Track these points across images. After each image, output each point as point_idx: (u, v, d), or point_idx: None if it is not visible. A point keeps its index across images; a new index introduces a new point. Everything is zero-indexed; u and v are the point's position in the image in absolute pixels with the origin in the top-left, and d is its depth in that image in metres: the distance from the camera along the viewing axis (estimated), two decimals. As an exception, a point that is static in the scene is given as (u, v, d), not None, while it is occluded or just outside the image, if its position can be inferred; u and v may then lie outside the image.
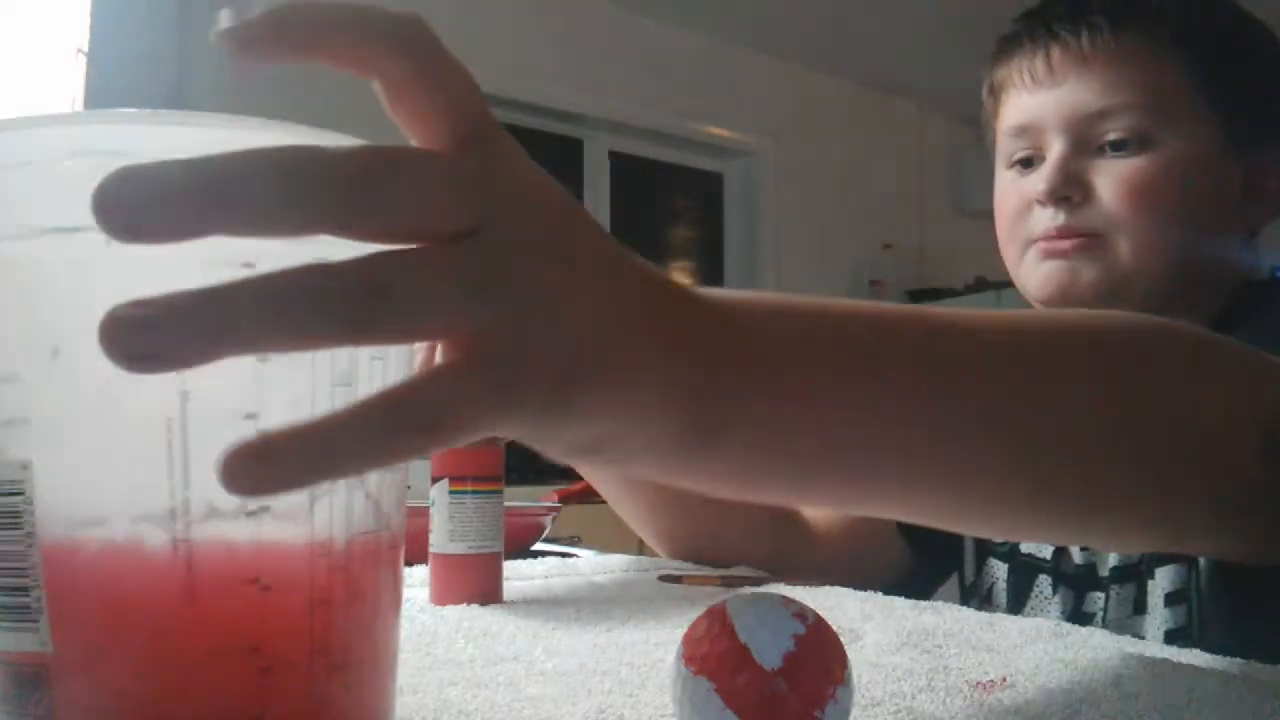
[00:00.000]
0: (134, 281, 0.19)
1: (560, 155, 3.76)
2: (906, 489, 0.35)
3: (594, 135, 3.79)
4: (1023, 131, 0.70)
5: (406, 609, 0.50)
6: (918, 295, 4.12)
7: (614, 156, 3.87)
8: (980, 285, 3.66)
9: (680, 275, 4.23)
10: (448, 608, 0.51)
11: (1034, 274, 0.68)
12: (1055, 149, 0.67)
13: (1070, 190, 0.66)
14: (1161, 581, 0.61)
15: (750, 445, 0.30)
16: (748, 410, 0.29)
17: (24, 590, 0.23)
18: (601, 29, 3.68)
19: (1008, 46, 0.72)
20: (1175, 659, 0.37)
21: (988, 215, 0.75)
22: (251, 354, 0.21)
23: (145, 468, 0.23)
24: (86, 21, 1.39)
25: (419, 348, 0.38)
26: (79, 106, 1.39)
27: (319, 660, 0.25)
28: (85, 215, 0.19)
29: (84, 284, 0.21)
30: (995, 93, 0.74)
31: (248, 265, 0.22)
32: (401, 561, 0.29)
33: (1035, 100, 0.69)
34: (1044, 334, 0.39)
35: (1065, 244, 0.66)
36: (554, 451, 0.27)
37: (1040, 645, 0.40)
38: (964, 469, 0.35)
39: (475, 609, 0.50)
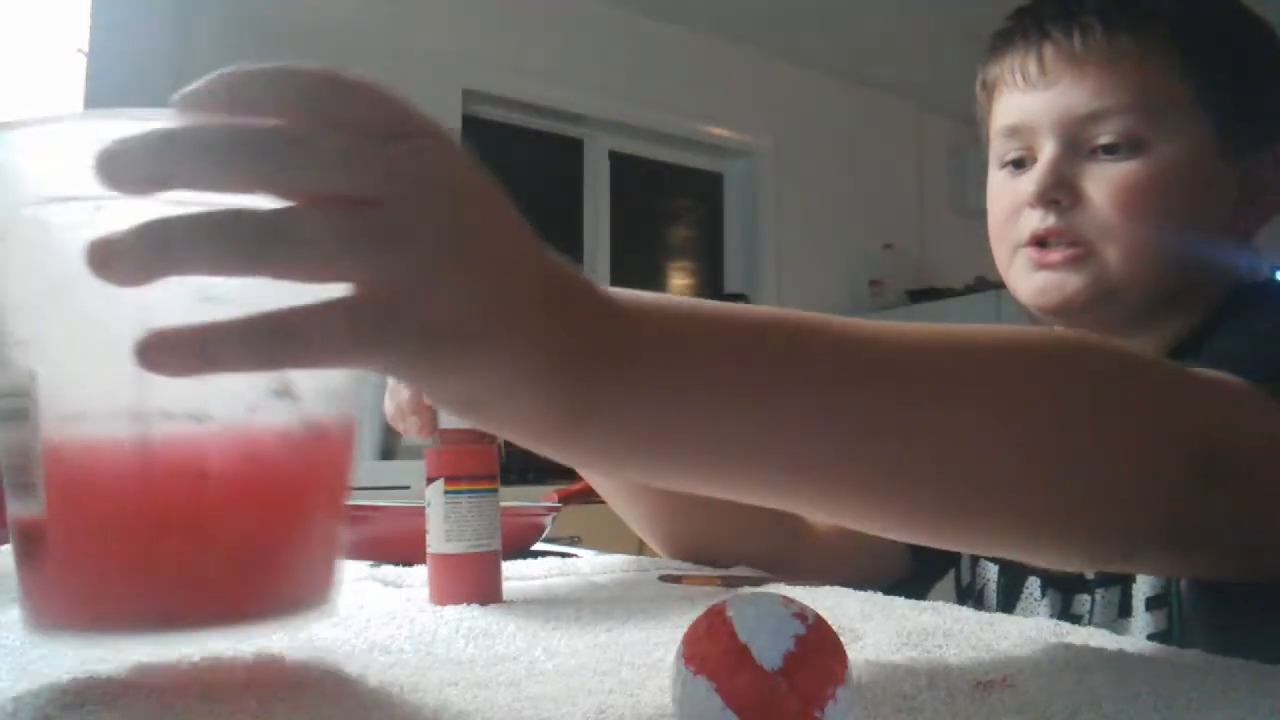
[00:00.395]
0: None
1: (560, 155, 3.76)
2: (776, 484, 0.38)
3: (594, 135, 3.79)
4: (1014, 132, 0.69)
5: (406, 609, 0.50)
6: (918, 295, 4.12)
7: (614, 156, 3.86)
8: (980, 285, 3.66)
9: (680, 275, 4.23)
10: (448, 608, 0.51)
11: (1024, 281, 0.68)
12: (1047, 151, 0.66)
13: (1060, 193, 0.65)
14: (1143, 585, 0.62)
15: (620, 430, 0.33)
16: (619, 396, 0.32)
17: (28, 469, 0.31)
18: (601, 29, 3.67)
19: (1001, 44, 0.71)
20: (1175, 659, 0.37)
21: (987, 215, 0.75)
22: (183, 274, 0.27)
23: (116, 378, 0.29)
24: (86, 21, 1.39)
25: None
26: (79, 106, 1.39)
27: (246, 541, 0.31)
28: (78, 188, 0.27)
29: (76, 238, 0.26)
30: (988, 90, 0.73)
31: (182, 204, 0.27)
32: (346, 465, 0.35)
33: (1028, 101, 0.68)
34: (947, 351, 0.39)
35: (1055, 255, 0.66)
36: (436, 402, 0.32)
37: (1041, 645, 0.40)
38: (833, 478, 0.37)
39: (475, 609, 0.50)
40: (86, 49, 1.39)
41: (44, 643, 0.34)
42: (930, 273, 4.23)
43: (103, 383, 0.30)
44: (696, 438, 0.35)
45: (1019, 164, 0.69)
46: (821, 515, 0.42)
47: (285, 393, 0.31)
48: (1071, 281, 0.65)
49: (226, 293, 0.28)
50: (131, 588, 0.31)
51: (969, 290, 3.66)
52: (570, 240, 3.79)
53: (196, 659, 0.37)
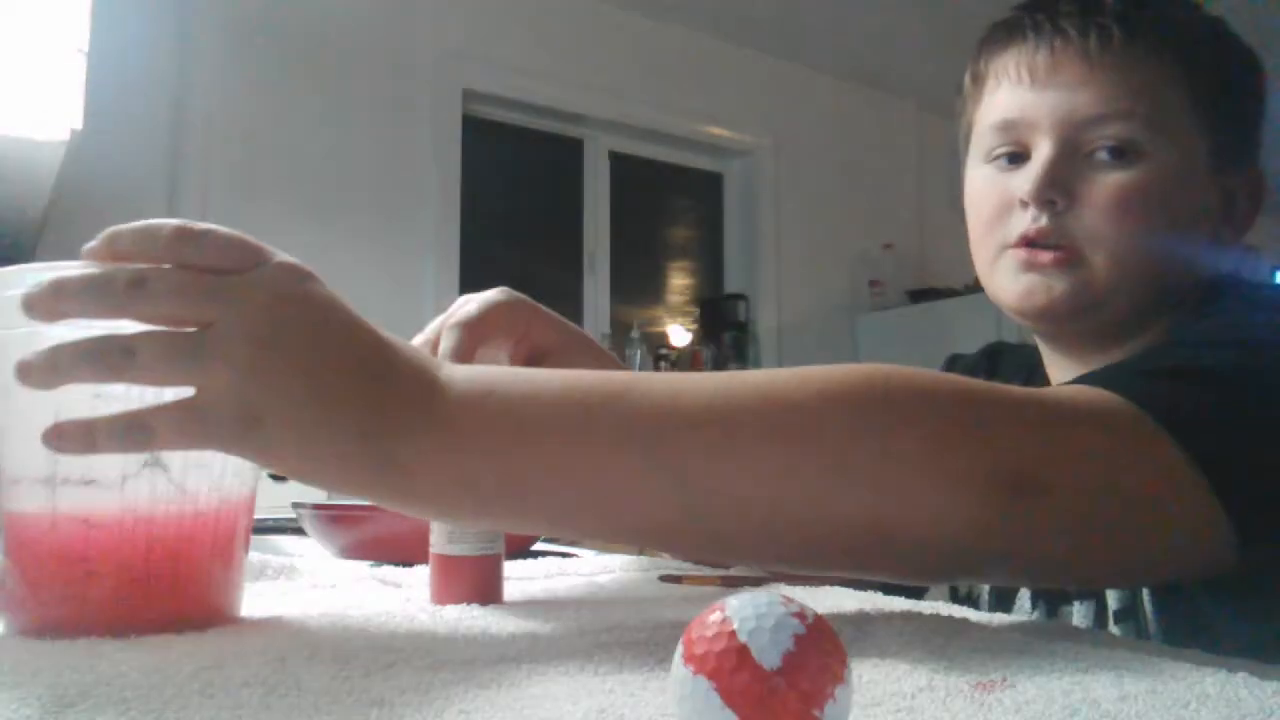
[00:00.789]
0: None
1: (560, 155, 3.76)
2: (586, 530, 0.45)
3: (594, 135, 3.79)
4: (1009, 127, 0.68)
5: (406, 609, 0.50)
6: (918, 295, 4.12)
7: (614, 156, 3.86)
8: (980, 285, 3.65)
9: (680, 275, 4.23)
10: (448, 608, 0.51)
11: (1010, 283, 0.67)
12: (1044, 150, 0.65)
13: (1056, 194, 0.64)
14: (1112, 599, 0.62)
15: (437, 488, 0.40)
16: (429, 464, 0.39)
17: None
18: (601, 29, 3.67)
19: (1002, 36, 0.70)
20: (1174, 659, 0.37)
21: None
22: (73, 382, 0.38)
23: (39, 453, 0.39)
24: (86, 21, 1.39)
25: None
26: (79, 106, 1.39)
27: (124, 572, 0.42)
28: (18, 321, 0.39)
29: (13, 356, 0.39)
30: (979, 81, 0.72)
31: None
32: (222, 518, 0.45)
33: (1030, 97, 0.67)
34: (748, 398, 0.42)
35: (1045, 257, 0.65)
36: (277, 473, 0.41)
37: (1040, 645, 0.40)
38: (617, 520, 0.42)
39: (475, 609, 0.50)
40: (86, 49, 1.39)
41: (18, 647, 0.40)
42: (930, 273, 4.23)
43: (30, 457, 0.41)
44: (499, 488, 0.40)
45: (1011, 159, 0.68)
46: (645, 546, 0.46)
47: (155, 464, 0.42)
48: (1059, 285, 0.65)
49: (113, 392, 0.40)
50: (52, 605, 0.42)
51: (969, 290, 3.66)
52: (570, 240, 3.80)
53: (197, 659, 0.37)
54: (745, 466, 0.41)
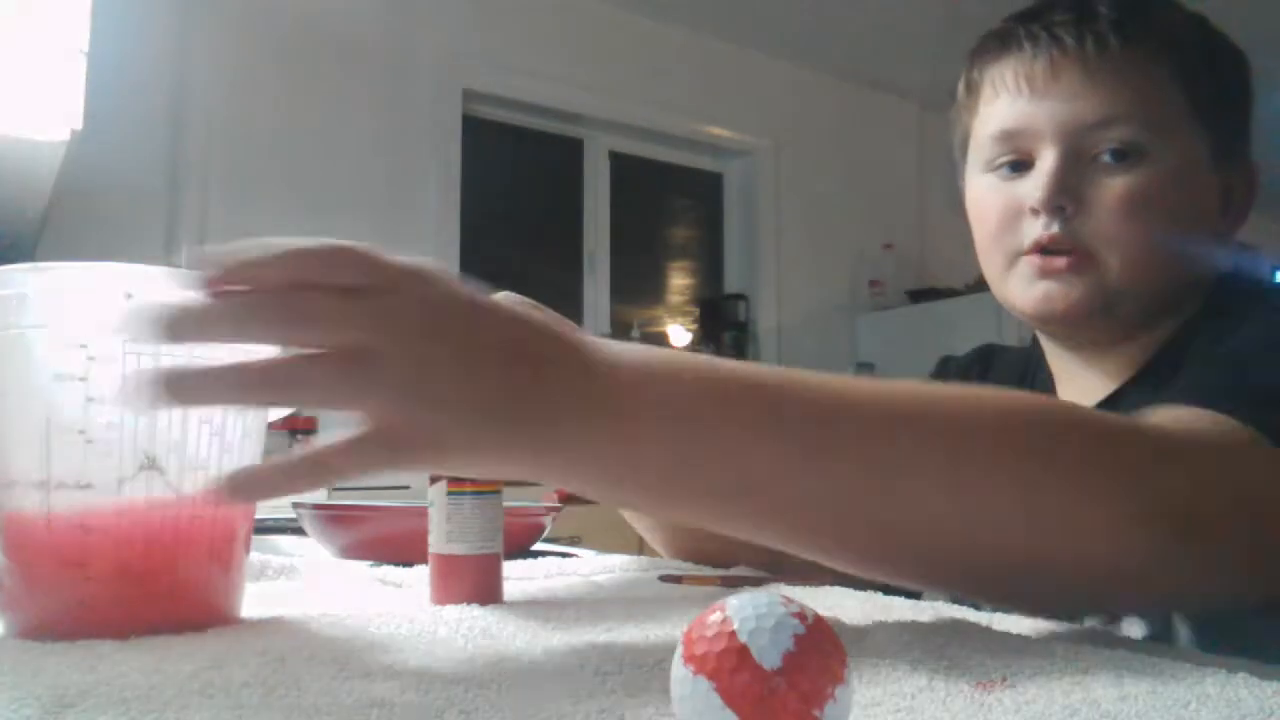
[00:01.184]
0: (44, 354, 0.41)
1: (560, 155, 3.76)
2: (749, 526, 0.44)
3: (594, 135, 3.79)
4: (1011, 136, 0.68)
5: (406, 609, 0.50)
6: (918, 295, 4.12)
7: (614, 156, 3.86)
8: (980, 285, 3.64)
9: (680, 275, 4.23)
10: (448, 608, 0.51)
11: (1025, 290, 0.68)
12: (1049, 158, 0.66)
13: (1065, 200, 0.65)
14: None
15: (602, 470, 0.40)
16: (592, 448, 0.39)
17: None
18: (601, 29, 3.67)
19: (995, 46, 0.70)
20: (1174, 659, 0.37)
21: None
22: (235, 405, 0.42)
23: (32, 457, 0.41)
24: (86, 21, 1.39)
25: None
26: (79, 106, 1.39)
27: (122, 575, 0.42)
28: (25, 320, 0.41)
29: (20, 356, 0.41)
30: (974, 90, 0.72)
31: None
32: (219, 521, 0.45)
33: (1031, 107, 0.67)
34: (931, 414, 0.42)
35: (1060, 262, 0.66)
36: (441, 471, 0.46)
37: (1040, 645, 0.40)
38: (774, 504, 0.42)
39: (475, 609, 0.50)
40: (86, 49, 1.38)
41: (18, 647, 0.40)
42: (930, 273, 4.22)
43: (24, 460, 0.41)
44: (660, 478, 0.40)
45: (1014, 167, 0.69)
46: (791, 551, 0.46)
47: (151, 466, 0.42)
48: (1075, 289, 0.65)
49: (108, 395, 0.41)
50: (50, 607, 0.42)
51: (969, 290, 3.65)
52: (570, 240, 3.79)
53: (197, 660, 0.37)
54: (920, 475, 0.41)
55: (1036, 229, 0.66)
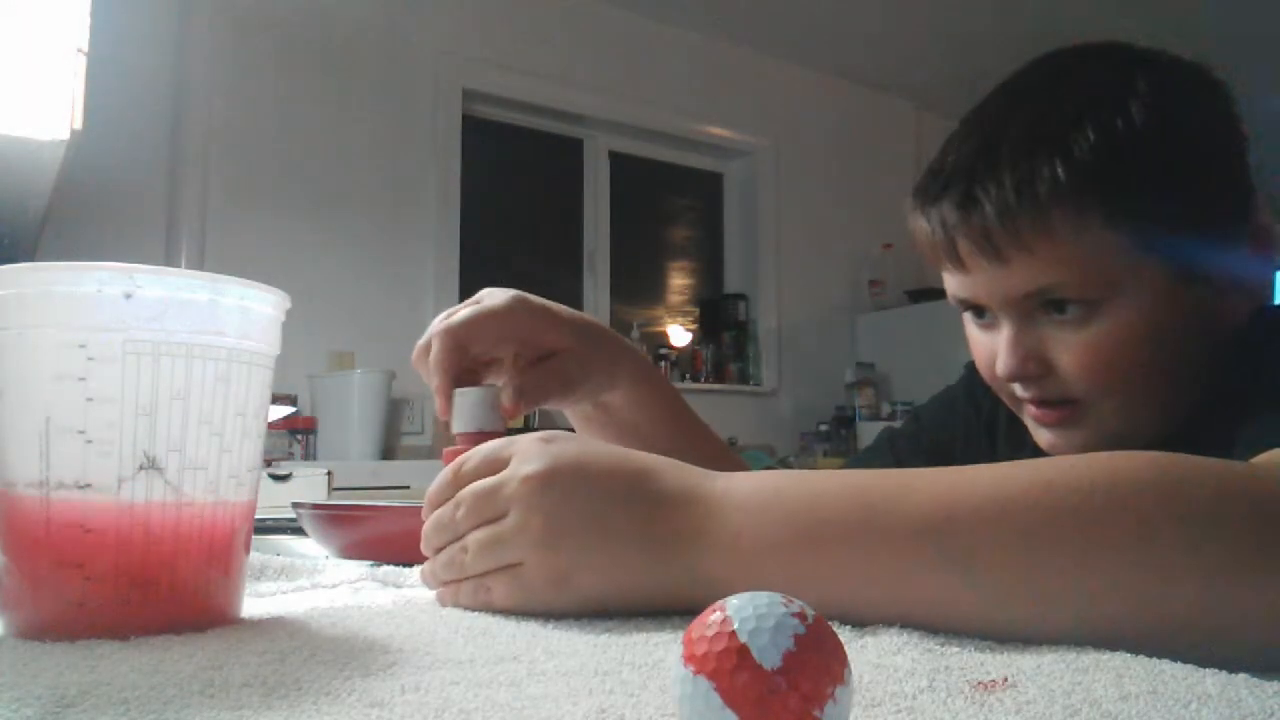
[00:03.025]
0: (44, 354, 0.42)
1: (560, 155, 3.76)
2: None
3: (594, 135, 3.79)
4: (964, 300, 0.67)
5: (406, 609, 0.50)
6: (917, 295, 4.12)
7: (614, 156, 3.87)
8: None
9: (680, 275, 4.23)
10: (448, 608, 0.51)
11: (1035, 432, 0.68)
12: (1004, 325, 0.65)
13: (1030, 368, 0.64)
14: None
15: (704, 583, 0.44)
16: (722, 576, 0.44)
17: None
18: (601, 29, 3.68)
19: (918, 214, 0.67)
20: (1175, 659, 0.37)
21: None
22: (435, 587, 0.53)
23: (31, 457, 0.41)
24: (86, 21, 1.39)
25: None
26: (79, 106, 1.39)
27: (122, 576, 0.42)
28: (25, 320, 0.41)
29: (20, 356, 0.42)
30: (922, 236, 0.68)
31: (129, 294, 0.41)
32: (219, 523, 0.45)
33: (965, 280, 0.66)
34: (986, 513, 0.41)
35: (1053, 416, 0.65)
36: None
37: (1040, 645, 0.40)
38: (908, 613, 0.43)
39: (475, 613, 0.50)
40: (86, 49, 1.38)
41: (18, 647, 0.40)
42: (930, 273, 4.21)
43: (23, 460, 0.42)
44: (790, 591, 0.41)
45: (981, 314, 0.68)
46: None
47: (151, 466, 0.42)
48: (1077, 435, 0.65)
49: (105, 395, 0.41)
50: (50, 608, 0.42)
51: (969, 290, 3.65)
52: (570, 240, 3.80)
53: (197, 660, 0.37)
54: (1042, 561, 0.40)
55: (1018, 390, 0.66)
